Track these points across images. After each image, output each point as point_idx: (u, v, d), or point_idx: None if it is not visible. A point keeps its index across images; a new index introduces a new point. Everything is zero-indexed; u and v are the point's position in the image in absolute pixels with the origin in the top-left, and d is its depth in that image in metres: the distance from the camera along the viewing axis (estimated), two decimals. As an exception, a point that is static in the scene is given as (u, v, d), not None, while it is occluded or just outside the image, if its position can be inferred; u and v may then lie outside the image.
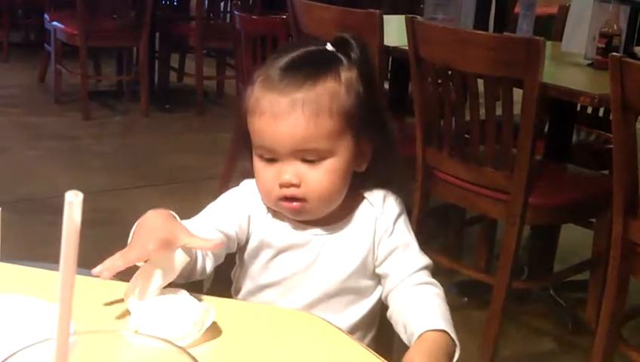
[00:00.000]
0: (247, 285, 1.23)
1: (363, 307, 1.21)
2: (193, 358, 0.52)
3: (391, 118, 1.25)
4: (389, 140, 1.21)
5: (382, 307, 1.24)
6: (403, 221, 1.22)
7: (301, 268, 1.18)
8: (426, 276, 1.19)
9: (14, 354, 0.49)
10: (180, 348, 0.52)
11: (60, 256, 0.45)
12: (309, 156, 1.11)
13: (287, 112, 1.09)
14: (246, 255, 1.21)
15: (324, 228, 1.19)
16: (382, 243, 1.19)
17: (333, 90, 1.12)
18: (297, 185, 1.11)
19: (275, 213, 1.19)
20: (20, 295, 0.77)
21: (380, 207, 1.20)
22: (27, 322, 0.72)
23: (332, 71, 1.13)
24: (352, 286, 1.20)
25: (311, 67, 1.13)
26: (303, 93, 1.10)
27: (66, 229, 0.44)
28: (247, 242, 1.20)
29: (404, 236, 1.21)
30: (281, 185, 1.11)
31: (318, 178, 1.12)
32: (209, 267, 1.11)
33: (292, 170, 1.11)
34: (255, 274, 1.21)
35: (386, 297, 1.20)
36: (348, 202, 1.19)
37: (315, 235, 1.18)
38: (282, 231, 1.19)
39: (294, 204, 1.13)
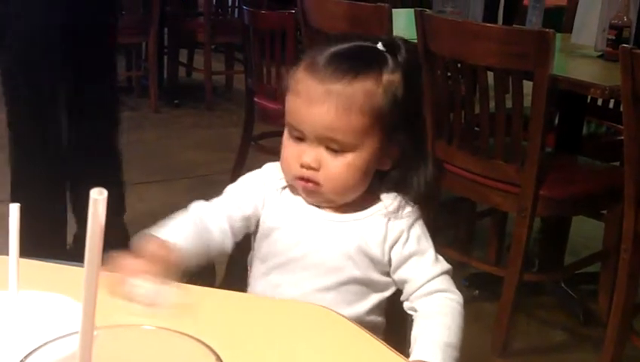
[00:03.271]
0: (258, 267, 1.25)
1: (372, 299, 1.22)
2: (214, 352, 0.52)
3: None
4: (420, 147, 1.23)
5: (393, 303, 1.25)
6: (419, 227, 1.22)
7: (309, 251, 1.20)
8: (443, 283, 1.20)
9: (40, 347, 0.49)
10: (201, 342, 0.53)
11: (85, 252, 0.46)
12: (333, 145, 1.14)
13: (322, 100, 1.13)
14: (258, 236, 1.24)
15: (335, 215, 1.21)
16: (396, 249, 1.20)
17: (371, 90, 1.15)
18: (316, 169, 1.16)
19: (288, 197, 1.23)
20: (44, 292, 0.77)
21: (395, 211, 1.21)
22: (52, 317, 0.73)
23: (374, 70, 1.16)
24: (361, 278, 1.20)
25: (354, 62, 1.16)
26: (340, 86, 1.13)
27: (91, 226, 0.44)
28: (259, 223, 1.24)
29: (421, 243, 1.21)
30: (302, 166, 1.16)
31: (337, 168, 1.15)
32: (229, 245, 1.20)
33: (314, 154, 1.15)
34: (265, 255, 1.24)
35: (405, 302, 1.21)
36: (364, 198, 1.21)
37: (326, 221, 1.20)
38: (293, 215, 1.22)
39: (309, 184, 1.17)
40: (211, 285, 1.18)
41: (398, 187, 1.22)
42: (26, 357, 0.49)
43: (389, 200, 1.21)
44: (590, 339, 2.58)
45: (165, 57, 5.55)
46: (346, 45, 1.19)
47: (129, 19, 4.94)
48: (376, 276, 1.21)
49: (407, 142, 1.19)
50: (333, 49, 1.18)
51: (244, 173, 1.28)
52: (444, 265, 1.22)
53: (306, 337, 0.93)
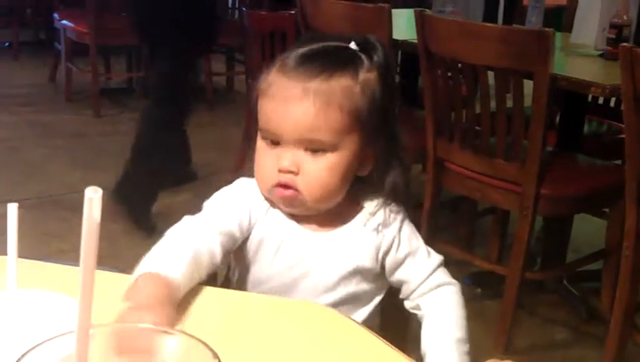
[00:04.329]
0: (246, 287, 1.21)
1: (368, 308, 1.21)
2: (212, 350, 0.52)
3: (401, 129, 1.21)
4: (396, 149, 1.18)
5: (387, 306, 1.24)
6: (408, 227, 1.20)
7: (301, 275, 1.17)
8: (439, 277, 1.20)
9: (36, 346, 0.49)
10: (199, 340, 0.53)
11: (81, 251, 0.46)
12: (313, 146, 1.10)
13: (299, 99, 1.08)
14: (246, 260, 1.19)
15: (324, 234, 1.17)
16: (390, 255, 1.18)
17: (348, 87, 1.11)
18: (295, 173, 1.10)
19: (274, 219, 1.17)
20: (40, 290, 0.78)
21: (382, 219, 1.18)
22: (48, 316, 0.73)
23: (350, 68, 1.12)
24: (356, 292, 1.18)
25: (329, 60, 1.12)
26: (316, 84, 1.09)
27: (86, 225, 0.44)
28: (246, 240, 1.17)
29: (412, 242, 1.20)
30: (280, 171, 1.10)
31: (317, 171, 1.11)
32: (218, 265, 1.10)
33: (292, 157, 1.10)
34: (256, 280, 1.19)
35: (405, 300, 1.21)
36: (346, 209, 1.18)
37: (316, 241, 1.16)
38: (281, 238, 1.16)
39: (287, 192, 1.11)
40: (212, 284, 1.18)
41: (378, 191, 1.18)
42: (22, 356, 0.49)
43: (372, 206, 1.18)
44: (593, 336, 2.58)
45: (166, 59, 5.54)
46: (317, 45, 1.15)
47: (129, 21, 4.93)
48: (370, 286, 1.20)
49: (385, 145, 1.15)
50: (303, 49, 1.13)
51: (245, 173, 1.21)
52: (437, 258, 1.21)
53: (308, 336, 0.92)
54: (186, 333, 0.54)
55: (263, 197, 1.17)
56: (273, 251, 1.17)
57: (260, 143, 1.14)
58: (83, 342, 0.48)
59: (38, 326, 0.72)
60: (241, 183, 1.19)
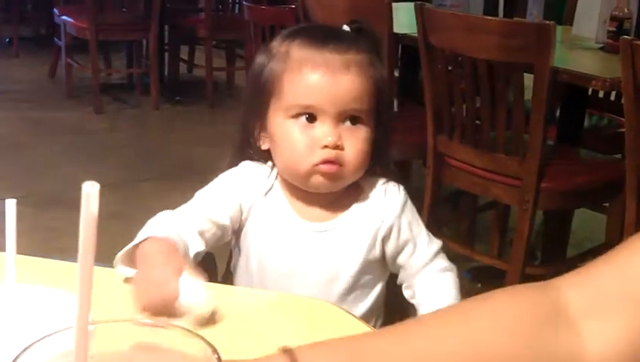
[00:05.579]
0: (251, 282, 1.21)
1: (371, 297, 1.21)
2: (211, 345, 0.52)
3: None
4: (390, 130, 1.22)
5: (389, 295, 1.24)
6: (409, 212, 1.21)
7: (303, 267, 1.17)
8: (439, 261, 1.20)
9: (36, 342, 0.49)
10: (198, 335, 0.53)
11: (79, 246, 0.45)
12: (356, 115, 1.12)
13: (344, 69, 1.11)
14: (245, 250, 1.20)
15: (324, 221, 1.17)
16: (390, 242, 1.19)
17: (369, 61, 1.15)
18: (341, 148, 1.11)
19: (273, 204, 1.17)
20: (39, 285, 0.77)
21: (382, 203, 1.18)
22: (47, 311, 0.73)
23: (362, 46, 1.16)
24: (360, 282, 1.19)
25: (347, 37, 1.17)
26: (352, 55, 1.13)
27: (84, 219, 0.44)
28: (241, 231, 1.18)
29: (412, 228, 1.20)
30: (326, 146, 1.10)
31: (358, 142, 1.12)
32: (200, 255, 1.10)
33: (336, 132, 1.11)
34: (258, 271, 1.19)
35: (402, 284, 1.21)
36: (346, 193, 1.18)
37: (317, 232, 1.17)
38: (281, 228, 1.17)
39: (334, 166, 1.11)
40: (213, 279, 1.17)
41: (375, 171, 1.20)
42: (22, 352, 0.49)
43: (372, 191, 1.19)
44: (593, 332, 2.57)
45: (166, 54, 5.54)
46: (325, 25, 1.23)
47: (130, 16, 4.94)
48: (373, 273, 1.20)
49: (384, 125, 1.18)
50: (319, 27, 1.22)
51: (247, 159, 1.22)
52: (437, 244, 1.22)
53: (309, 332, 0.92)
54: (185, 329, 0.54)
55: (266, 175, 1.18)
56: (273, 242, 1.17)
57: (290, 123, 1.13)
58: (82, 336, 0.48)
59: (37, 320, 0.72)
60: (244, 168, 1.20)
